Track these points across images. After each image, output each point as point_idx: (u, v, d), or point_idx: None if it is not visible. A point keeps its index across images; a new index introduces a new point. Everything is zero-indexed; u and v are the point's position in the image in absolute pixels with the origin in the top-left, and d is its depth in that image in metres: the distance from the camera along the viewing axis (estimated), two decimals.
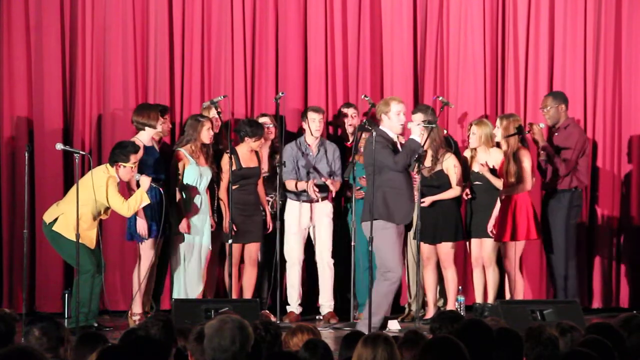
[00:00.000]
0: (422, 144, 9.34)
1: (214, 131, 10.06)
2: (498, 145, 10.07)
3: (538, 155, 10.38)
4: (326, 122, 10.78)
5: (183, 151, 9.88)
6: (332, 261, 10.38)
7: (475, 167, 10.09)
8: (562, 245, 10.26)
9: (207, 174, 9.95)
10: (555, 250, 10.32)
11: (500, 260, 10.18)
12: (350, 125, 10.61)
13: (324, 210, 10.35)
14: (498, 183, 9.99)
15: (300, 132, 10.69)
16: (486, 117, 10.81)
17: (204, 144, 9.95)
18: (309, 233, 10.42)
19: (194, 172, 9.88)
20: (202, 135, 9.89)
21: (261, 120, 10.33)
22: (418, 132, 9.23)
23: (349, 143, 10.52)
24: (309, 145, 10.37)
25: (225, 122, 10.23)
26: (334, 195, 10.42)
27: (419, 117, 10.27)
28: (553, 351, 5.33)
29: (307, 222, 10.33)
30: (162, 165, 9.91)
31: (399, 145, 9.28)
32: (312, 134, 10.33)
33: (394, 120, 9.23)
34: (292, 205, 10.33)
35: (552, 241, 10.33)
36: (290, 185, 10.28)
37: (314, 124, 10.29)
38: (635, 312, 10.43)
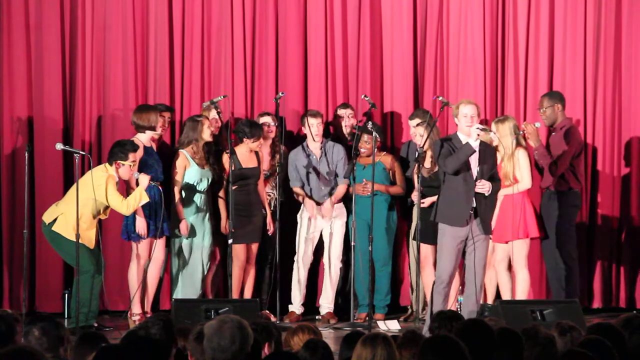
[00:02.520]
0: (422, 145, 9.32)
1: (214, 131, 10.06)
2: (495, 148, 10.06)
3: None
4: (326, 122, 10.78)
5: (185, 152, 9.87)
6: (340, 265, 10.38)
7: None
8: (561, 246, 10.25)
9: (208, 176, 9.95)
10: (554, 250, 10.31)
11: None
12: (346, 126, 10.62)
13: (338, 213, 10.33)
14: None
15: (301, 133, 10.69)
16: (485, 122, 10.79)
17: (205, 144, 9.94)
18: (321, 235, 10.40)
19: (195, 174, 9.88)
20: (204, 135, 9.89)
21: (262, 119, 10.32)
22: (475, 135, 8.99)
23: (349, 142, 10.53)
24: (311, 150, 10.36)
25: (225, 122, 10.23)
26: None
27: (416, 121, 10.31)
28: (551, 351, 5.33)
29: (321, 224, 10.31)
30: (161, 165, 9.90)
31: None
32: (313, 139, 10.33)
33: (462, 122, 9.10)
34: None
35: (550, 242, 10.32)
36: (298, 192, 10.29)
37: (313, 128, 10.29)
38: (635, 312, 10.47)
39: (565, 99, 10.52)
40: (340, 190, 10.33)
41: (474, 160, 9.05)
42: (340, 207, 10.37)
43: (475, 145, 8.97)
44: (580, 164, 10.33)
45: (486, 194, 9.03)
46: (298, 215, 10.35)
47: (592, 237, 11.04)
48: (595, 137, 11.06)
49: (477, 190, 9.01)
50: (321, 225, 10.32)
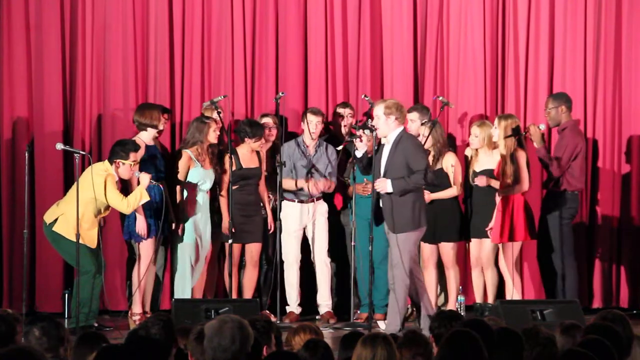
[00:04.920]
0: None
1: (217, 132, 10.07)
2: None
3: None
4: (326, 122, 10.77)
5: (189, 153, 9.86)
6: (329, 260, 10.38)
7: (476, 167, 10.10)
8: (558, 246, 10.24)
9: (211, 177, 9.94)
10: (550, 250, 10.30)
11: (497, 260, 10.19)
12: (345, 125, 10.61)
13: (320, 209, 10.36)
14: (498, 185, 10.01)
15: (300, 132, 10.68)
16: (486, 118, 10.82)
17: (210, 145, 9.92)
18: (304, 233, 10.41)
19: (198, 175, 9.87)
20: (210, 137, 9.87)
21: (263, 120, 10.32)
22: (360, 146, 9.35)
23: (343, 143, 10.51)
24: (307, 146, 10.37)
25: (226, 122, 10.23)
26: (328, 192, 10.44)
27: (415, 115, 10.31)
28: (552, 351, 5.34)
29: (304, 221, 10.32)
30: (162, 164, 9.90)
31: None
32: (310, 137, 10.33)
33: None
34: (288, 205, 10.31)
35: (548, 242, 10.31)
36: (288, 184, 10.28)
37: (312, 126, 10.29)
38: (635, 311, 10.49)
39: None
40: (332, 185, 10.34)
41: (382, 161, 9.19)
42: (322, 204, 10.36)
43: (359, 152, 9.30)
44: (580, 166, 10.32)
45: (387, 191, 9.08)
46: (280, 215, 10.31)
47: (592, 237, 11.04)
48: (595, 137, 11.06)
49: (377, 190, 9.15)
50: (304, 222, 10.31)
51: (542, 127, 10.28)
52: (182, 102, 10.83)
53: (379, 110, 9.23)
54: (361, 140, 9.31)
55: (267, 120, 10.32)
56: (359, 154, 9.35)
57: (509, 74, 11.03)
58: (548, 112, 10.37)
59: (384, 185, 9.11)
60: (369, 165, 9.32)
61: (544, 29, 11.02)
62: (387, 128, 9.22)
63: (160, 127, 9.91)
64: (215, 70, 10.86)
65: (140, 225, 9.64)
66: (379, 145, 9.42)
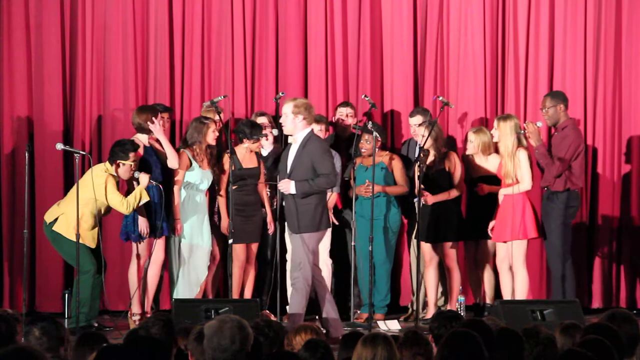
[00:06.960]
0: (422, 144, 9.32)
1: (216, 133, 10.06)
2: (496, 150, 10.07)
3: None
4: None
5: (187, 152, 9.86)
6: (330, 261, 10.37)
7: (473, 174, 10.12)
8: (558, 246, 10.21)
9: (209, 177, 9.93)
10: (551, 250, 10.30)
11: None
12: (346, 124, 10.59)
13: None
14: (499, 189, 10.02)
15: None
16: (486, 120, 10.82)
17: (208, 146, 9.92)
18: None
19: (196, 175, 9.86)
20: (208, 137, 9.86)
21: (259, 119, 10.29)
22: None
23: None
24: None
25: (225, 122, 10.22)
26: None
27: (417, 120, 10.31)
28: (552, 351, 5.34)
29: None
30: (159, 166, 9.88)
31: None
32: None
33: None
34: None
35: (548, 242, 10.30)
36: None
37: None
38: (634, 311, 10.48)
39: None
40: (332, 199, 10.26)
41: (289, 161, 9.13)
42: None
43: (264, 151, 9.41)
44: (580, 165, 10.31)
45: (290, 192, 9.03)
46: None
47: (592, 237, 11.04)
48: (595, 137, 11.06)
49: (280, 190, 9.19)
50: None
51: (540, 124, 10.25)
52: (182, 102, 10.83)
53: (287, 108, 9.08)
54: (267, 139, 9.31)
55: (263, 120, 10.30)
56: (264, 152, 9.36)
57: (509, 74, 11.03)
58: (546, 110, 10.34)
59: (288, 187, 9.03)
60: (273, 164, 9.30)
61: (544, 29, 11.02)
62: (293, 127, 9.07)
63: (148, 132, 9.79)
64: (215, 70, 10.87)
65: (142, 224, 9.64)
66: (286, 144, 9.36)
